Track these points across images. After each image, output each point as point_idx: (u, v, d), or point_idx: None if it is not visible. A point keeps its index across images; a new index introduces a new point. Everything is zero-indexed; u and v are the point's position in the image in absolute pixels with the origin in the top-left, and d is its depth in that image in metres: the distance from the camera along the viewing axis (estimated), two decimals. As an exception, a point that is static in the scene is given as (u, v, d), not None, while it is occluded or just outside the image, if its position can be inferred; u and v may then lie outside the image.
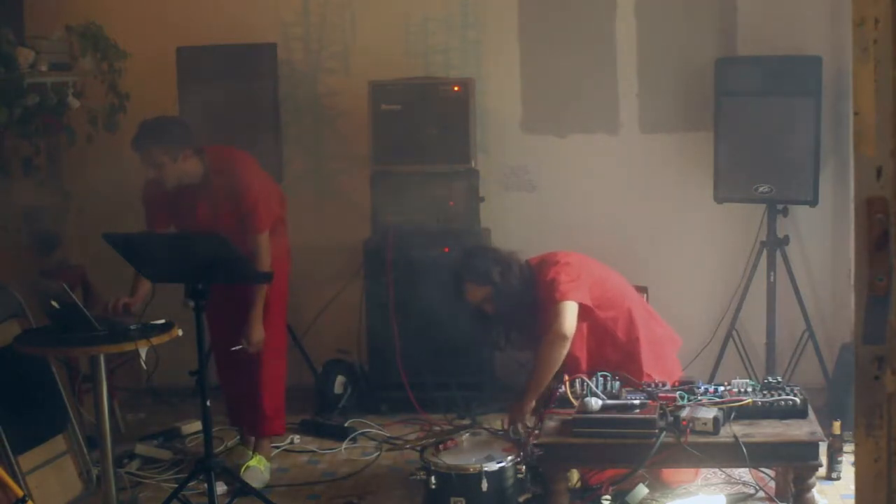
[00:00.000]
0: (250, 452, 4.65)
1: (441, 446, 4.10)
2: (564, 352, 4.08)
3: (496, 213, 5.54)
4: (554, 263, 4.27)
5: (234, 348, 4.43)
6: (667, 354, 4.42)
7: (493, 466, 3.90)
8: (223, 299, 4.30)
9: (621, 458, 3.71)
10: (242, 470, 4.49)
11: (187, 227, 4.48)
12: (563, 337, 4.07)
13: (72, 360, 4.77)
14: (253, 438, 4.71)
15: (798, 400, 3.76)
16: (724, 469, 4.27)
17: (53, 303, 3.98)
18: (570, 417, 3.75)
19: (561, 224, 5.48)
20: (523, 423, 4.08)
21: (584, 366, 4.19)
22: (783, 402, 3.75)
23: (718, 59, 5.23)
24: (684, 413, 3.66)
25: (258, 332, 4.44)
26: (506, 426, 4.19)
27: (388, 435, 5.07)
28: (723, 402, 3.75)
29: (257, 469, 4.55)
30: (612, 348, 4.29)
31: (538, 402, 4.09)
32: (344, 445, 4.97)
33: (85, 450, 4.51)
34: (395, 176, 5.34)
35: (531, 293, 4.25)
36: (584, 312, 4.19)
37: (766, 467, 4.11)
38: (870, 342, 1.96)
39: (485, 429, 4.42)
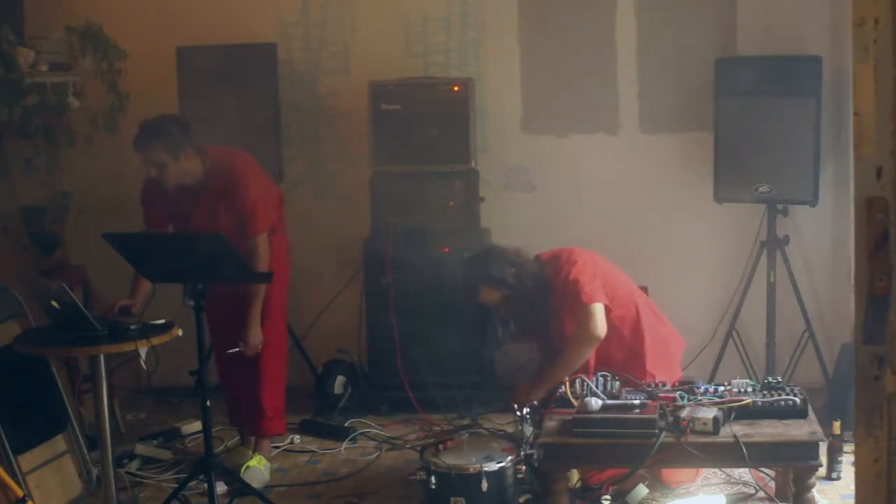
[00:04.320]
0: (250, 452, 4.64)
1: (441, 446, 4.10)
2: (591, 352, 4.16)
3: (496, 213, 5.54)
4: (573, 263, 4.29)
5: (230, 350, 4.44)
6: (671, 355, 4.44)
7: (493, 466, 3.90)
8: (223, 299, 4.30)
9: (621, 458, 3.71)
10: (242, 470, 4.49)
11: (186, 227, 4.48)
12: (598, 339, 4.14)
13: (72, 360, 4.77)
14: (253, 438, 4.71)
15: (798, 400, 3.76)
16: (724, 469, 4.28)
17: (53, 303, 3.98)
18: (570, 417, 3.75)
19: (561, 224, 5.48)
20: (531, 405, 4.07)
21: (591, 364, 4.21)
22: (783, 402, 3.75)
23: (718, 59, 5.23)
24: (684, 413, 3.66)
25: (256, 336, 4.44)
26: (515, 406, 4.18)
27: (388, 435, 5.07)
28: (723, 402, 3.75)
29: (257, 469, 4.55)
30: (618, 347, 4.30)
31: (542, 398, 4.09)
32: (344, 445, 4.97)
33: (85, 450, 4.51)
34: (395, 176, 5.35)
35: (545, 291, 4.28)
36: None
37: (766, 467, 4.11)
38: (870, 342, 1.96)
39: (485, 429, 4.42)
